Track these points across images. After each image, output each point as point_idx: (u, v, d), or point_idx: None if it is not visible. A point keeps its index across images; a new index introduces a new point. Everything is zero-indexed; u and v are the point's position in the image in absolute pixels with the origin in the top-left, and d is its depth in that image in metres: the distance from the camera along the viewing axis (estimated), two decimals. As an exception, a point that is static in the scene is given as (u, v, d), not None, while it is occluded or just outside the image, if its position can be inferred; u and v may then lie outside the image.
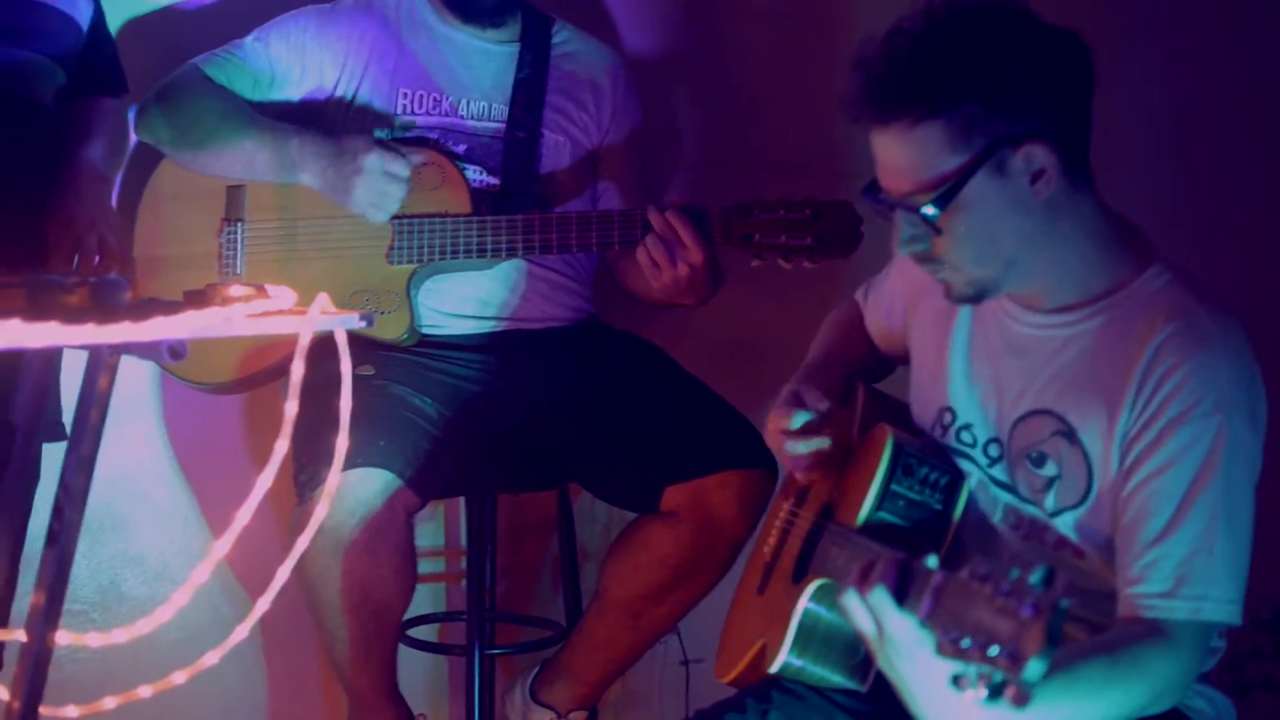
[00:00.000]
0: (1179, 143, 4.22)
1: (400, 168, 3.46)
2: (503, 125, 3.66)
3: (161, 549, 4.05)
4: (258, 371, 3.59)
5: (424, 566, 3.59)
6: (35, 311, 2.05)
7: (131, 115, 3.69)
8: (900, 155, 2.43)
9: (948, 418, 2.68)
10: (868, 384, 2.95)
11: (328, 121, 3.65)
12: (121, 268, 3.08)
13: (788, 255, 3.37)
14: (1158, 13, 4.17)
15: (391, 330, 3.48)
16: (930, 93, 2.37)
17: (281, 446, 2.22)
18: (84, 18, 3.10)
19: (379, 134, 3.58)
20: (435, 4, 3.74)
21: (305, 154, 3.52)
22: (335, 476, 2.51)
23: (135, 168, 3.84)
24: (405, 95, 3.64)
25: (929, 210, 2.40)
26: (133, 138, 3.75)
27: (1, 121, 2.90)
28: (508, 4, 3.71)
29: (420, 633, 3.97)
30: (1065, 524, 2.50)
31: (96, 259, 3.10)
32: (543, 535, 4.24)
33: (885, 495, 2.58)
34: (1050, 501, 2.51)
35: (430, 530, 4.21)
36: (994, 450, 2.60)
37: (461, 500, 4.06)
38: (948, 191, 2.39)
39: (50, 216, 3.03)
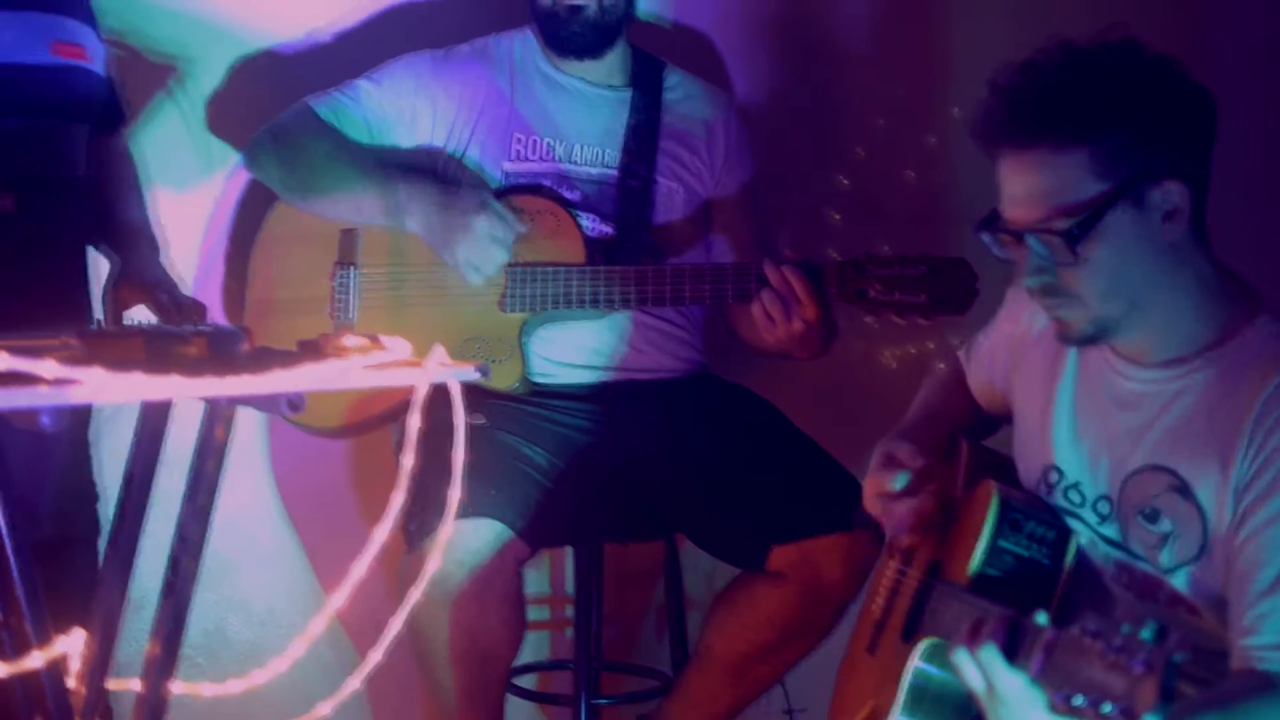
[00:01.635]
0: None
1: (506, 233, 3.46)
2: (616, 172, 3.65)
3: (267, 593, 4.06)
4: (367, 418, 3.58)
5: (529, 614, 3.57)
6: (155, 363, 2.05)
7: (244, 153, 3.72)
8: (1039, 180, 2.41)
9: (1054, 476, 2.65)
10: (971, 439, 2.92)
11: (440, 166, 3.64)
12: (201, 316, 3.07)
13: (902, 312, 3.34)
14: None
15: (503, 379, 3.47)
16: (1078, 118, 2.37)
17: (398, 499, 2.21)
18: (102, 64, 3.09)
19: (493, 182, 3.58)
20: (541, 45, 3.73)
21: (413, 201, 3.51)
22: (448, 527, 2.49)
23: (248, 209, 3.86)
24: (519, 141, 3.63)
25: (1068, 234, 2.38)
26: (246, 176, 3.77)
27: (41, 198, 2.88)
28: (604, 37, 3.68)
29: (523, 681, 3.95)
30: (1179, 580, 2.46)
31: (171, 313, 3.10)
32: (647, 582, 4.22)
33: (992, 551, 2.56)
34: (1164, 558, 2.48)
35: (535, 577, 4.20)
36: (1104, 507, 2.57)
37: (568, 548, 4.03)
38: (1089, 218, 2.37)
39: (133, 283, 3.02)
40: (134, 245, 3.10)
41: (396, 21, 4.01)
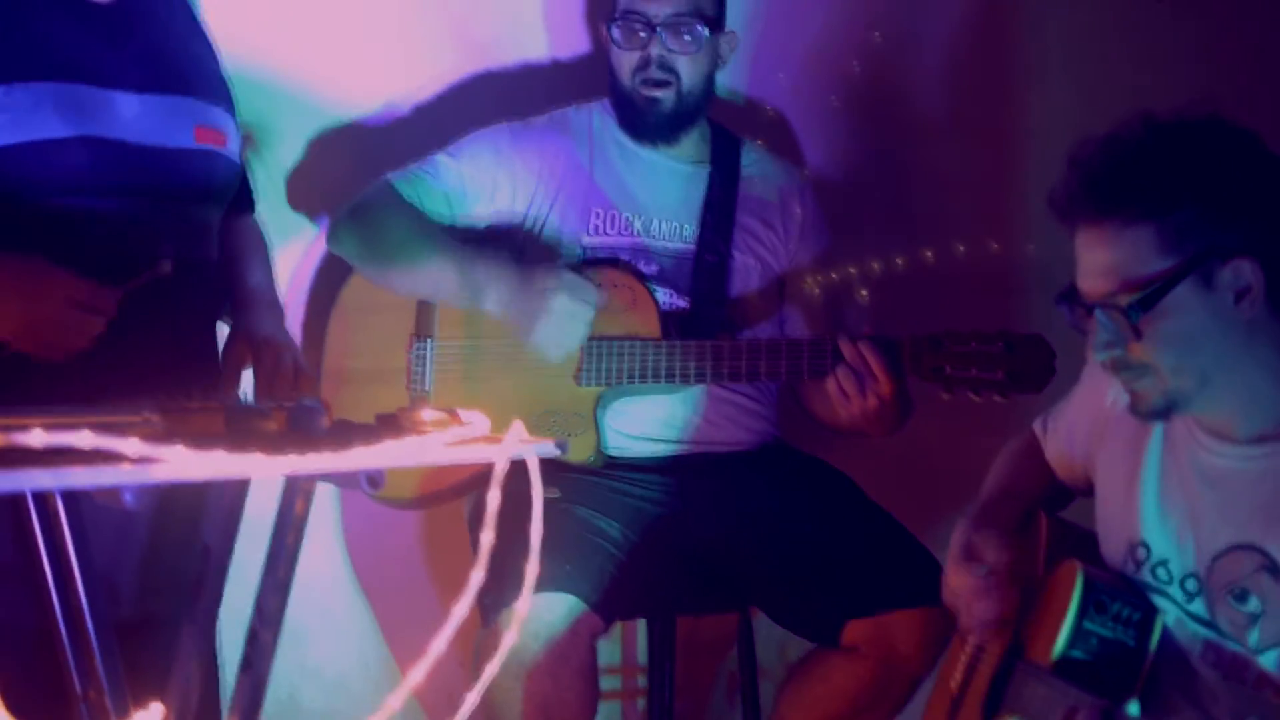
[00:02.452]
0: None
1: (585, 309, 3.46)
2: (693, 247, 3.65)
3: (339, 661, 4.06)
4: (441, 490, 3.59)
5: (601, 683, 3.55)
6: (237, 440, 2.05)
7: (326, 231, 3.73)
8: (1108, 254, 2.42)
9: (1141, 553, 2.63)
10: (1050, 514, 2.90)
11: (519, 239, 3.66)
12: (313, 390, 3.08)
13: (978, 389, 3.33)
14: None
15: (578, 453, 3.47)
16: (1147, 194, 2.38)
17: (477, 577, 2.21)
18: (238, 151, 3.13)
19: (571, 256, 3.59)
20: (617, 124, 3.74)
21: (491, 281, 3.51)
22: (525, 602, 2.48)
23: (324, 280, 3.88)
24: (598, 215, 3.64)
25: (1132, 309, 2.37)
26: (323, 245, 3.79)
27: (180, 282, 2.90)
28: (681, 125, 3.70)
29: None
30: (1268, 661, 2.45)
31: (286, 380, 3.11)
32: (719, 651, 4.21)
33: (1078, 634, 2.55)
34: (1253, 638, 2.46)
35: (607, 647, 4.17)
36: (1191, 585, 2.56)
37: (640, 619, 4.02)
38: (1154, 293, 2.37)
39: (241, 339, 3.04)
40: (252, 306, 3.13)
41: (474, 92, 4.03)
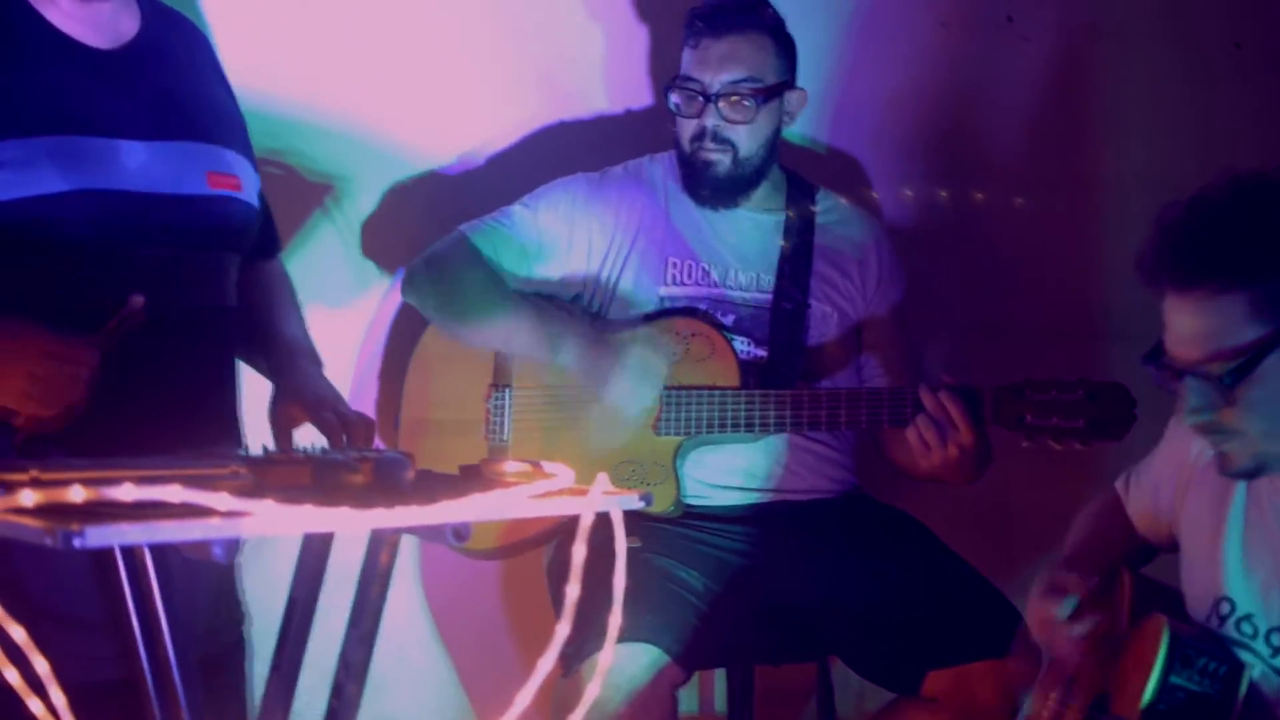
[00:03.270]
0: None
1: (660, 364, 3.47)
2: (770, 296, 3.64)
3: (418, 711, 4.07)
4: (521, 541, 3.60)
5: (679, 733, 3.56)
6: (322, 490, 2.06)
7: (401, 281, 3.75)
8: (1199, 322, 2.40)
9: (1225, 608, 2.62)
10: (1133, 570, 2.89)
11: (595, 291, 3.66)
12: (367, 437, 3.08)
13: (1059, 438, 3.32)
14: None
15: (658, 503, 3.47)
16: (1237, 263, 2.35)
17: (563, 630, 2.20)
18: (255, 194, 3.12)
19: (648, 306, 3.60)
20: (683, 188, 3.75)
21: (566, 336, 3.53)
22: (608, 654, 2.48)
23: (401, 329, 3.89)
24: (674, 265, 3.65)
25: (1224, 379, 2.36)
26: (399, 299, 3.80)
27: (194, 329, 2.90)
28: (737, 187, 3.68)
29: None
30: (1355, 714, 2.42)
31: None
32: (797, 701, 4.20)
33: (1164, 687, 2.53)
34: (1339, 692, 2.44)
35: (685, 695, 4.15)
36: (1277, 640, 2.54)
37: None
38: (1244, 364, 2.35)
39: (292, 399, 3.04)
40: (294, 362, 3.11)
41: (550, 142, 4.04)
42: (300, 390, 3.02)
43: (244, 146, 3.07)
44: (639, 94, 4.12)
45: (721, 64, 3.59)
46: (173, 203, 2.85)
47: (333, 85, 3.75)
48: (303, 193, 3.84)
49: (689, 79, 3.62)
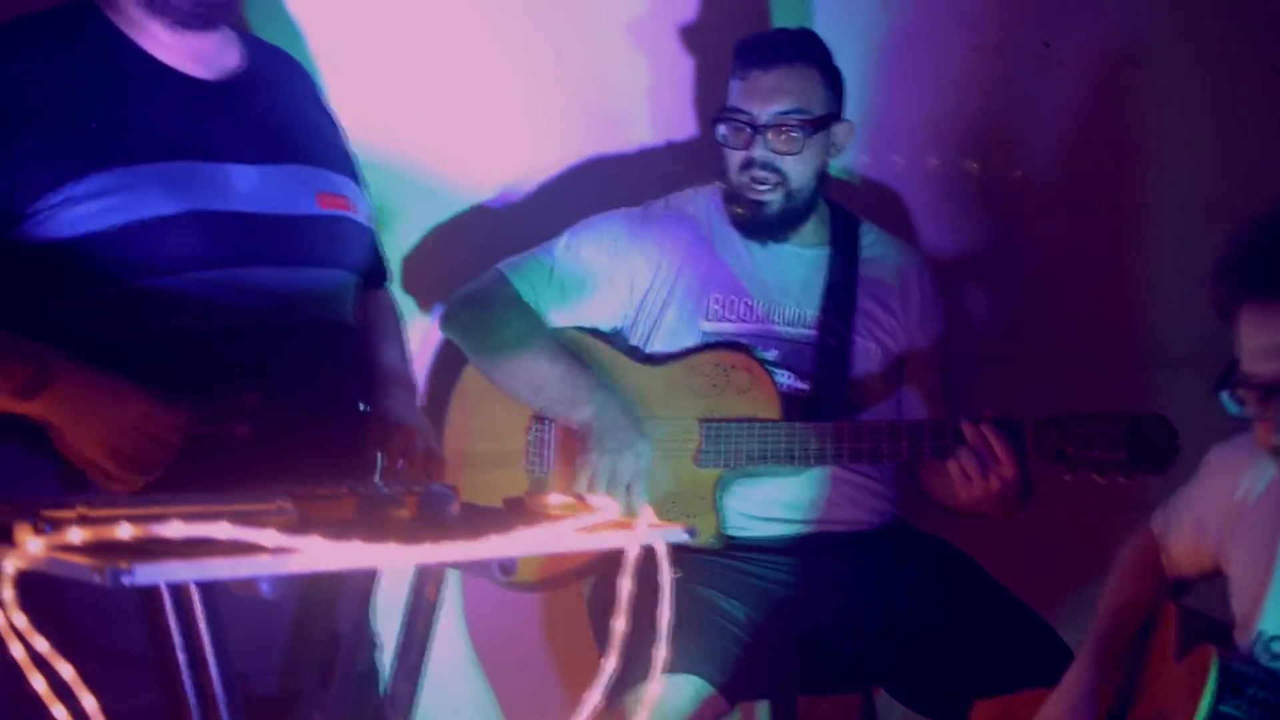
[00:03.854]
0: None
1: (638, 502, 3.44)
2: (813, 331, 3.64)
3: (461, 742, 4.06)
4: (562, 573, 3.59)
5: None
6: (370, 528, 2.06)
7: (440, 316, 3.77)
8: None
9: (1277, 645, 2.60)
10: (1179, 603, 2.88)
11: (636, 324, 3.68)
12: (442, 475, 3.09)
13: (1102, 470, 3.30)
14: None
15: (700, 534, 3.45)
16: None
17: (610, 664, 2.20)
18: (367, 217, 3.15)
19: (690, 341, 3.59)
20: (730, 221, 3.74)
21: (594, 402, 3.53)
22: (655, 688, 2.48)
23: (443, 362, 3.90)
24: (717, 301, 3.64)
25: None
26: (439, 335, 3.81)
27: (322, 346, 2.93)
28: (789, 221, 3.69)
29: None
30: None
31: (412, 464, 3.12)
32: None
33: (1214, 716, 2.52)
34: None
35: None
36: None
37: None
38: None
39: (376, 421, 3.06)
40: (386, 388, 3.14)
41: (590, 176, 4.05)
42: (386, 414, 3.05)
43: (352, 172, 3.13)
44: (682, 126, 4.12)
45: (770, 95, 3.59)
46: (286, 223, 2.89)
47: (374, 119, 3.75)
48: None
49: (737, 110, 3.62)
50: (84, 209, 2.71)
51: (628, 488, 3.46)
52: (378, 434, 3.03)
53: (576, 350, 3.63)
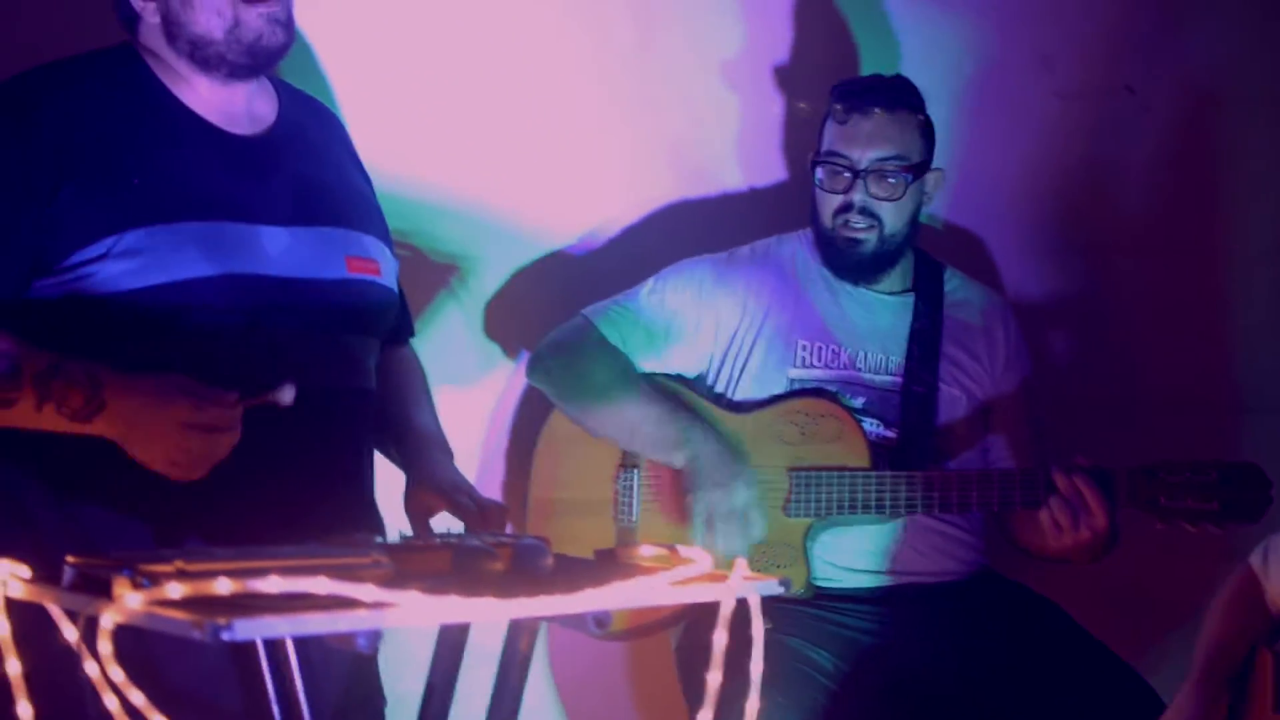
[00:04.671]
0: None
1: (758, 529, 3.45)
2: (899, 378, 3.63)
3: (547, 792, 4.05)
4: (650, 623, 3.58)
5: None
6: (466, 583, 2.06)
7: (527, 364, 3.77)
8: None
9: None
10: (1276, 650, 2.85)
11: (722, 371, 3.67)
12: (501, 519, 3.08)
13: (1194, 520, 3.28)
14: None
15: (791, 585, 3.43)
16: None
17: (705, 716, 2.19)
18: (394, 279, 3.14)
19: (778, 389, 3.58)
20: (819, 261, 3.74)
21: (690, 444, 3.52)
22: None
23: (527, 410, 3.90)
24: (804, 347, 3.63)
25: None
26: (523, 382, 3.82)
27: (333, 411, 2.92)
28: (882, 264, 3.69)
29: None
30: None
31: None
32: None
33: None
34: None
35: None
36: None
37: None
38: None
39: (426, 487, 3.05)
40: (425, 450, 3.12)
41: (673, 221, 4.06)
42: (434, 478, 3.03)
43: (381, 232, 3.11)
44: (767, 171, 4.12)
45: (870, 141, 3.60)
46: (314, 286, 2.88)
47: (458, 166, 3.77)
48: (428, 273, 3.86)
49: (836, 154, 3.63)
50: (122, 265, 2.71)
51: (734, 523, 3.44)
52: (430, 499, 3.02)
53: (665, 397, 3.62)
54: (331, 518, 2.77)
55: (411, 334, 3.32)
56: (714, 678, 2.22)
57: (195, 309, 2.73)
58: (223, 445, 2.61)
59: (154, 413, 2.61)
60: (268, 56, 2.92)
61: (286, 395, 2.62)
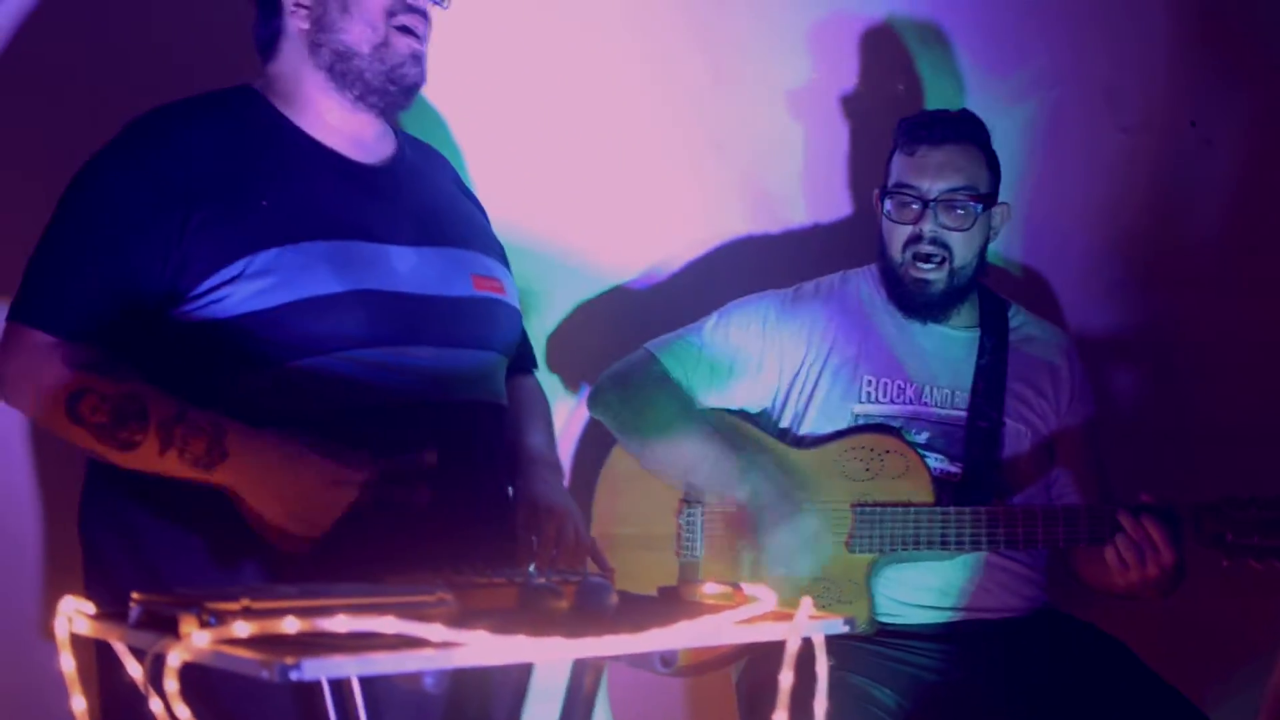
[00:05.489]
0: None
1: (828, 547, 3.44)
2: (964, 414, 3.62)
3: (605, 828, 4.03)
4: (711, 659, 3.56)
5: None
6: (532, 622, 2.06)
7: (588, 396, 3.77)
8: None
9: None
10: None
11: (786, 407, 3.65)
12: (582, 556, 3.08)
13: (1261, 557, 3.26)
14: None
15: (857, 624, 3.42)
16: None
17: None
18: (516, 300, 3.17)
19: (842, 424, 3.57)
20: (885, 299, 3.73)
21: (748, 478, 3.50)
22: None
23: (588, 444, 3.90)
24: (870, 383, 3.62)
25: None
26: (586, 413, 3.81)
27: (477, 426, 2.94)
28: (950, 301, 3.68)
29: None
30: None
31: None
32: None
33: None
34: None
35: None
36: None
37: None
38: None
39: (527, 505, 3.06)
40: (534, 469, 3.15)
41: (738, 256, 4.06)
42: (535, 497, 3.06)
43: (501, 256, 3.16)
44: (831, 208, 4.12)
45: (940, 171, 3.60)
46: (443, 304, 2.92)
47: (523, 201, 3.78)
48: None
49: (905, 186, 3.63)
50: (252, 286, 2.75)
51: (795, 557, 3.43)
52: (528, 517, 3.03)
53: (726, 432, 3.61)
54: (477, 530, 2.80)
55: (535, 365, 3.36)
56: (780, 718, 2.21)
57: (323, 326, 2.77)
58: (343, 508, 2.64)
59: (285, 468, 2.65)
60: (402, 88, 3.00)
61: (430, 459, 2.64)
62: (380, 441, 2.70)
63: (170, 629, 1.93)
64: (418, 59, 3.00)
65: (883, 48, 4.16)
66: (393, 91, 2.98)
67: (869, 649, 3.48)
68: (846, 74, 4.14)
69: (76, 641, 2.08)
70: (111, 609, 2.13)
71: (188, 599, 1.96)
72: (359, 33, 2.95)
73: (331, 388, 2.75)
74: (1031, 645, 3.56)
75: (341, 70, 2.96)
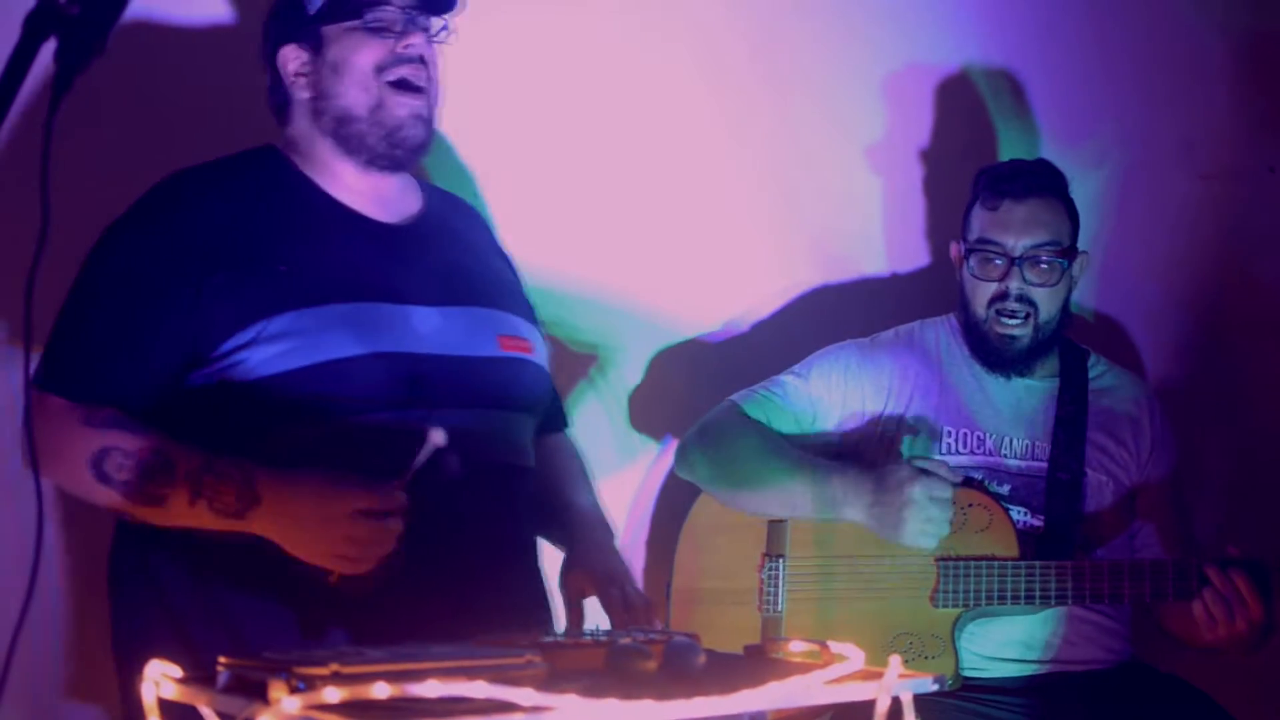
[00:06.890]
0: None
1: (944, 491, 3.39)
2: (1044, 464, 3.60)
3: None
4: (795, 718, 3.54)
5: None
6: (619, 682, 2.05)
7: (674, 455, 3.76)
8: None
9: None
10: None
11: (869, 455, 3.63)
12: (648, 615, 3.06)
13: None
14: None
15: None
16: None
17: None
18: (546, 360, 3.15)
19: (917, 460, 3.54)
20: (968, 352, 3.72)
21: (849, 491, 3.47)
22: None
23: (668, 499, 3.89)
24: (949, 434, 3.62)
25: None
26: (667, 463, 3.81)
27: (501, 488, 2.94)
28: (1035, 355, 3.67)
29: None
30: None
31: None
32: None
33: None
34: None
35: None
36: None
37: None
38: None
39: (581, 571, 3.05)
40: (585, 532, 3.14)
41: (816, 307, 4.05)
42: (591, 562, 3.04)
43: (529, 315, 3.15)
44: (907, 257, 4.11)
45: (1025, 227, 3.59)
46: (467, 364, 2.91)
47: (598, 256, 3.79)
48: (568, 364, 3.86)
49: (989, 242, 3.61)
50: (270, 349, 2.76)
51: (925, 512, 3.38)
52: (584, 583, 3.02)
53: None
54: (501, 593, 2.79)
55: (566, 424, 3.34)
56: (869, 777, 2.20)
57: (344, 389, 2.76)
58: (391, 533, 2.63)
59: (316, 507, 2.64)
60: (406, 150, 2.98)
61: (438, 436, 2.63)
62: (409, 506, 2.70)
63: (259, 694, 1.93)
64: (419, 117, 2.98)
65: (958, 96, 4.16)
66: (399, 155, 2.98)
67: (953, 704, 3.45)
68: (921, 123, 4.15)
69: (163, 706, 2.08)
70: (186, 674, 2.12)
71: (276, 664, 1.96)
72: (354, 96, 2.95)
73: (353, 450, 2.75)
74: (1116, 698, 3.53)
75: (344, 135, 2.96)
